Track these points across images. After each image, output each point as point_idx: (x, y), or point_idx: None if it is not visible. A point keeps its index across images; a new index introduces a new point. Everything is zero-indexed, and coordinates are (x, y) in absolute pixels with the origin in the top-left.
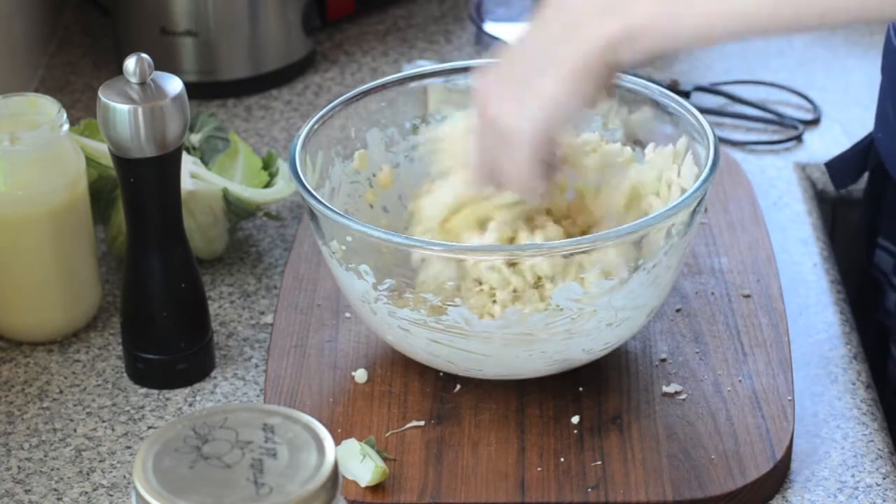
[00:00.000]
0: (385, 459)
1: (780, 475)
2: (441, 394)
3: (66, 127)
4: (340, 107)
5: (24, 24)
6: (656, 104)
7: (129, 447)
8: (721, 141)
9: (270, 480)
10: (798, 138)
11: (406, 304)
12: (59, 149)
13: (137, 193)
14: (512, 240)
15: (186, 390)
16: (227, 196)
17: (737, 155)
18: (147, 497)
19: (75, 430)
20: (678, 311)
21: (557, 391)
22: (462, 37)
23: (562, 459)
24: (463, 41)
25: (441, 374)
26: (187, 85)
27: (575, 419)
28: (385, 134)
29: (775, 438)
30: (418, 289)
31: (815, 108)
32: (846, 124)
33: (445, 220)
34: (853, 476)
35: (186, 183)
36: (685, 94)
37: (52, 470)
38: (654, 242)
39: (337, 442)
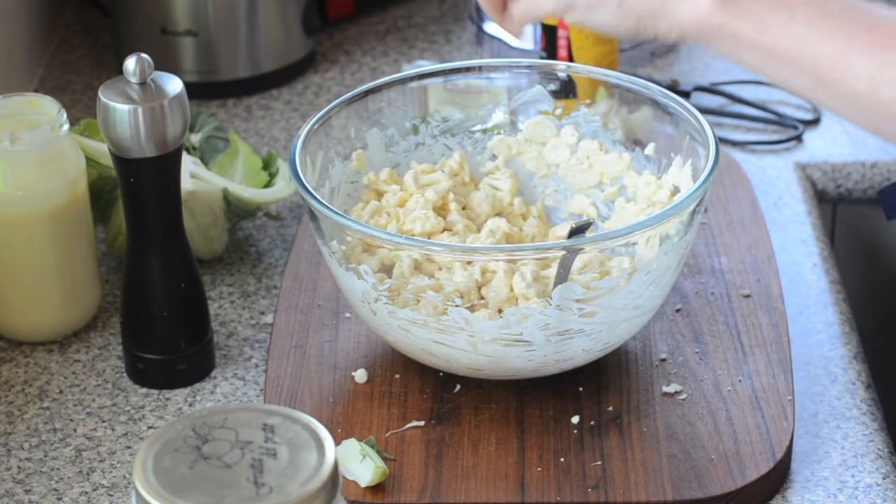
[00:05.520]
0: (385, 459)
1: (780, 475)
2: (441, 394)
3: (66, 127)
4: (340, 107)
5: (24, 24)
6: (656, 104)
7: (129, 447)
8: (721, 141)
9: (270, 480)
10: (798, 138)
11: (406, 303)
12: (59, 149)
13: (137, 193)
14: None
15: (186, 390)
16: (227, 196)
17: (737, 155)
18: (147, 497)
19: (75, 430)
20: (678, 311)
21: (557, 391)
22: (462, 37)
23: (562, 459)
24: (463, 41)
25: (441, 374)
26: (187, 85)
27: (575, 419)
28: (385, 134)
29: (775, 438)
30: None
31: (815, 107)
32: (846, 124)
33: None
34: (853, 476)
35: (186, 183)
36: (685, 94)
37: (52, 470)
38: (653, 243)
39: (337, 442)
